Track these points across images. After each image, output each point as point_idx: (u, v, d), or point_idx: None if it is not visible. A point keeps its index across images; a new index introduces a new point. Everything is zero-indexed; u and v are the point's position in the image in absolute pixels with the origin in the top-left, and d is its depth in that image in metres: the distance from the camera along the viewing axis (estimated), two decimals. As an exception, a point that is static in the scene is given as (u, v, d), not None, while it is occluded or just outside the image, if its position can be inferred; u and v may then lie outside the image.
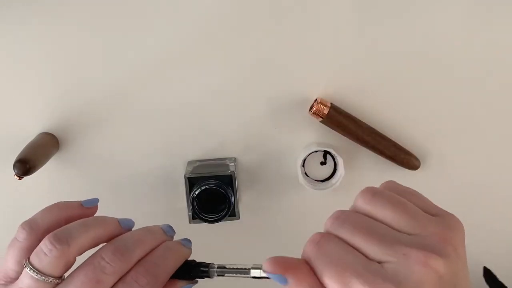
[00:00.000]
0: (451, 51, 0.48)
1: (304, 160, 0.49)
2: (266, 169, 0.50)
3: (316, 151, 0.49)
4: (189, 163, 0.49)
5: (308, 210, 0.51)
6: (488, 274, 0.49)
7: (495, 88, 0.49)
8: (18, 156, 0.42)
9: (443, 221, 0.27)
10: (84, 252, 0.31)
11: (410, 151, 0.49)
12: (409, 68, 0.48)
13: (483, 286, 0.48)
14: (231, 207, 0.45)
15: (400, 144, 0.49)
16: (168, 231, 0.34)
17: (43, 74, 0.47)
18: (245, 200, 0.51)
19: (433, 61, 0.48)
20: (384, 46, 0.48)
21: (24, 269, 0.30)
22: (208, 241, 0.51)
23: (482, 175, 0.51)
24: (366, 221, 0.26)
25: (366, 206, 0.27)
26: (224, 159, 0.49)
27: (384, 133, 0.49)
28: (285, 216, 0.51)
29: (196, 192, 0.44)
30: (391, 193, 0.28)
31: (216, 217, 0.45)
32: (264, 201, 0.51)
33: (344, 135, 0.48)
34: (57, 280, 0.30)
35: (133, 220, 0.34)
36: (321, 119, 0.47)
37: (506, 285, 0.48)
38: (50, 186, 0.49)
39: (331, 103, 0.47)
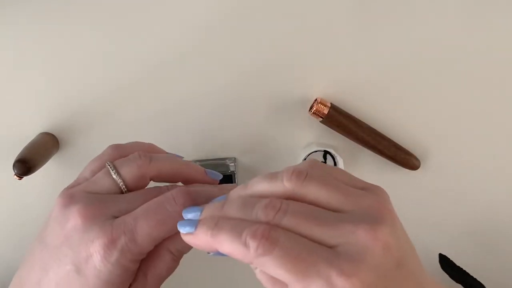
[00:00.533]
0: (452, 52, 0.48)
1: (304, 160, 0.49)
2: (266, 169, 0.50)
3: (316, 151, 0.49)
4: (189, 163, 0.49)
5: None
6: (444, 260, 0.49)
7: (496, 88, 0.49)
8: (18, 156, 0.42)
9: (373, 193, 0.27)
10: (161, 178, 0.33)
11: (410, 151, 0.49)
12: (409, 68, 0.48)
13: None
14: None
15: (400, 144, 0.49)
16: (212, 174, 0.36)
17: (43, 74, 0.47)
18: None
19: (433, 61, 0.48)
20: (384, 46, 0.48)
21: (104, 168, 0.32)
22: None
23: (482, 175, 0.51)
24: (305, 208, 0.26)
25: (299, 189, 0.27)
26: (224, 159, 0.49)
27: (384, 133, 0.49)
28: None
29: None
30: (319, 173, 0.27)
31: None
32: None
33: (344, 135, 0.48)
34: (125, 189, 0.32)
35: (220, 174, 0.36)
36: (321, 119, 0.47)
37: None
38: (50, 186, 0.49)
39: (331, 103, 0.47)
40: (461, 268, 0.49)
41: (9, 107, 0.47)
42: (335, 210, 0.26)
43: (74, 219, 0.30)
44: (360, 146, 0.49)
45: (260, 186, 0.28)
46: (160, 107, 0.48)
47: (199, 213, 0.28)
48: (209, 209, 0.28)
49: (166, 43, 0.47)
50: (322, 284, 0.23)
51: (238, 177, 0.49)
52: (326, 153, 0.50)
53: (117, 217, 0.30)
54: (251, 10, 0.47)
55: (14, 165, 0.41)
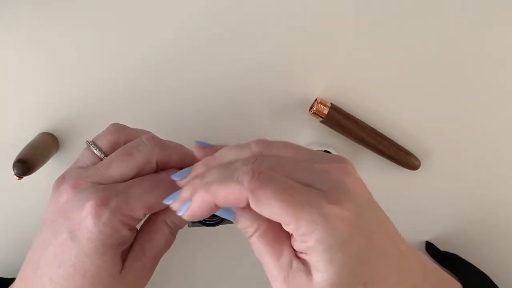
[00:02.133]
0: (452, 52, 0.48)
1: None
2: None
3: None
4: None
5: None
6: (430, 248, 0.50)
7: (496, 88, 0.49)
8: (18, 156, 0.42)
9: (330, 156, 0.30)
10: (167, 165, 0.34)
11: (410, 151, 0.49)
12: (409, 68, 0.48)
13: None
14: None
15: (400, 144, 0.49)
16: None
17: (43, 74, 0.47)
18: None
19: (434, 61, 0.48)
20: (385, 46, 0.48)
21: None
22: (207, 245, 0.51)
23: (483, 176, 0.51)
24: (278, 159, 0.28)
25: (266, 151, 0.28)
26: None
27: (384, 133, 0.49)
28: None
29: None
30: (282, 142, 0.30)
31: (215, 221, 0.45)
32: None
33: (344, 135, 0.48)
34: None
35: None
36: (321, 119, 0.47)
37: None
38: (50, 186, 0.49)
39: (331, 103, 0.47)
40: (447, 253, 0.49)
41: (9, 107, 0.47)
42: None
43: (66, 192, 0.31)
44: (360, 146, 0.49)
45: (229, 154, 0.29)
46: (159, 108, 0.48)
47: (178, 194, 0.29)
48: (188, 185, 0.29)
49: (166, 43, 0.47)
50: (314, 212, 0.25)
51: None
52: (326, 153, 0.50)
53: (107, 184, 0.31)
54: (251, 10, 0.47)
55: (14, 165, 0.41)
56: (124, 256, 0.32)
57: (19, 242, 0.50)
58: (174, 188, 0.32)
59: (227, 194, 0.26)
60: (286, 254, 0.28)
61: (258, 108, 0.49)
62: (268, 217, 0.26)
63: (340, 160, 0.28)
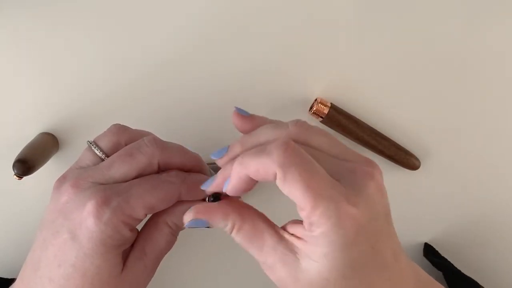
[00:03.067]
0: (452, 52, 0.48)
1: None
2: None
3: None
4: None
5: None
6: (428, 250, 0.50)
7: (496, 88, 0.49)
8: (18, 156, 0.42)
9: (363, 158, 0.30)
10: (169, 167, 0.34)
11: (410, 151, 0.49)
12: (409, 68, 0.48)
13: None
14: None
15: (400, 144, 0.49)
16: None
17: (43, 74, 0.47)
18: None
19: (434, 61, 0.48)
20: (385, 46, 0.48)
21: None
22: (207, 245, 0.51)
23: (483, 175, 0.51)
24: (313, 152, 0.28)
25: (303, 134, 0.29)
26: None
27: (384, 133, 0.49)
28: (283, 219, 0.51)
29: None
30: (320, 128, 0.30)
31: None
32: (263, 203, 0.51)
33: (344, 135, 0.48)
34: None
35: None
36: (321, 119, 0.47)
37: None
38: (50, 186, 0.49)
39: (331, 103, 0.47)
40: (444, 258, 0.50)
41: (9, 107, 0.47)
42: (336, 158, 0.28)
43: (66, 192, 0.31)
44: (360, 146, 0.49)
45: (265, 133, 0.29)
46: (159, 108, 0.48)
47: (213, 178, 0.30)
48: (224, 170, 0.30)
49: (166, 43, 0.47)
50: (331, 208, 0.25)
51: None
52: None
53: (108, 184, 0.31)
54: (251, 10, 0.47)
55: (14, 165, 0.41)
56: (125, 256, 0.32)
57: (19, 242, 0.50)
58: (175, 188, 0.32)
59: (258, 166, 0.26)
60: (269, 243, 0.28)
61: (258, 108, 0.49)
62: (286, 194, 0.26)
63: (369, 164, 0.29)
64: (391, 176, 0.50)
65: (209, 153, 0.50)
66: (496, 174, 0.51)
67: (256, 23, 0.47)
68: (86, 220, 0.29)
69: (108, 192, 0.30)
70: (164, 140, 0.35)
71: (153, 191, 0.31)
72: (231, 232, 0.29)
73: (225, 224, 0.29)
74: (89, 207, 0.29)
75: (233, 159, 0.29)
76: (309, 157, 0.26)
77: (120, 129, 0.34)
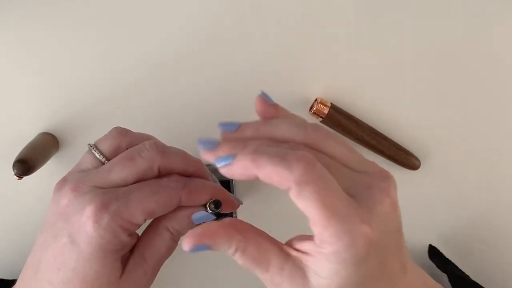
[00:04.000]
0: (452, 52, 0.48)
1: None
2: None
3: (316, 151, 0.49)
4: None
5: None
6: (433, 251, 0.50)
7: (496, 88, 0.49)
8: (18, 156, 0.42)
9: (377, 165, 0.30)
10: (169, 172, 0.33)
11: (410, 151, 0.49)
12: (409, 68, 0.48)
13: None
14: (229, 213, 0.45)
15: (400, 144, 0.49)
16: (215, 180, 0.36)
17: (43, 74, 0.47)
18: (244, 205, 0.51)
19: (434, 61, 0.48)
20: (385, 46, 0.48)
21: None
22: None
23: (483, 175, 0.51)
24: (329, 159, 0.27)
25: (321, 140, 0.28)
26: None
27: (384, 133, 0.49)
28: (283, 219, 0.51)
29: None
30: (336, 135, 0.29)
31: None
32: (262, 204, 0.51)
33: (344, 135, 0.48)
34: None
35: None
36: (321, 119, 0.47)
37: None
38: (50, 186, 0.49)
39: (331, 103, 0.47)
40: (448, 260, 0.49)
41: (9, 107, 0.47)
42: (351, 169, 0.28)
43: (67, 195, 0.31)
44: (360, 146, 0.49)
45: (283, 127, 0.28)
46: (159, 108, 0.48)
47: (215, 144, 0.28)
48: (229, 143, 0.28)
49: (166, 44, 0.47)
50: (344, 228, 0.24)
51: (236, 183, 0.49)
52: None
53: (108, 188, 0.31)
54: (251, 10, 0.47)
55: (14, 165, 0.41)
56: (125, 261, 0.32)
57: (19, 242, 0.50)
58: (175, 194, 0.31)
59: (272, 174, 0.25)
60: (274, 262, 0.27)
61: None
62: (300, 208, 0.25)
63: (386, 177, 0.28)
64: (391, 176, 0.50)
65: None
66: (496, 174, 0.51)
67: (256, 23, 0.47)
68: (85, 225, 0.29)
69: (107, 196, 0.30)
70: (165, 140, 0.35)
71: (153, 196, 0.30)
72: (233, 255, 0.28)
73: (228, 247, 0.28)
74: (88, 211, 0.29)
75: (239, 141, 0.28)
76: (327, 174, 0.25)
77: (121, 132, 0.34)
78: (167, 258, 0.34)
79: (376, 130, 0.48)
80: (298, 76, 0.48)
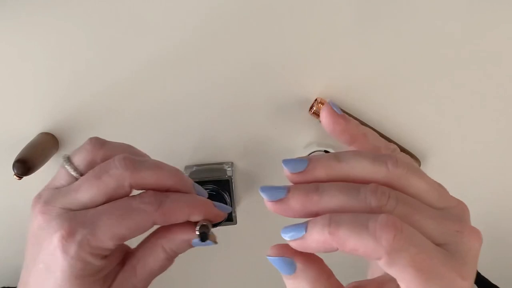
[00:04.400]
0: (452, 52, 0.48)
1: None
2: (266, 171, 0.50)
3: (316, 151, 0.49)
4: (187, 167, 0.49)
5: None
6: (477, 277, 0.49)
7: (496, 88, 0.49)
8: (18, 156, 0.42)
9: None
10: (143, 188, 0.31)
11: (410, 151, 0.49)
12: (409, 68, 0.48)
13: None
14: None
15: (400, 144, 0.49)
16: (199, 190, 0.33)
17: (43, 74, 0.47)
18: (243, 204, 0.51)
19: (434, 61, 0.48)
20: (385, 46, 0.48)
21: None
22: (205, 246, 0.51)
23: (483, 175, 0.51)
24: (411, 199, 0.24)
25: (404, 178, 0.25)
26: (222, 163, 0.49)
27: (384, 133, 0.49)
28: (283, 219, 0.51)
29: None
30: (415, 165, 0.26)
31: None
32: (262, 204, 0.50)
33: (344, 135, 0.48)
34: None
35: (206, 193, 0.33)
36: (321, 119, 0.47)
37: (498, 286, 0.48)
38: (50, 186, 0.49)
39: (331, 103, 0.47)
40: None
41: (9, 107, 0.47)
42: (431, 206, 0.25)
43: (37, 218, 0.30)
44: (360, 146, 0.49)
45: (361, 165, 0.25)
46: (159, 108, 0.48)
47: (284, 192, 0.25)
48: (301, 193, 0.25)
49: (166, 43, 0.47)
50: (444, 286, 0.22)
51: (235, 182, 0.49)
52: (326, 153, 0.50)
53: (76, 209, 0.30)
54: (250, 10, 0.47)
55: (13, 165, 0.41)
56: (114, 274, 0.31)
57: (19, 242, 0.50)
58: (147, 217, 0.29)
59: (357, 246, 0.22)
60: None
61: (258, 108, 0.49)
62: (391, 275, 0.23)
63: (465, 211, 0.26)
64: (391, 176, 0.50)
65: (208, 153, 0.50)
66: (497, 174, 0.51)
67: (256, 23, 0.47)
68: (55, 254, 0.28)
69: (74, 223, 0.28)
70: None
71: (122, 221, 0.29)
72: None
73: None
74: (55, 241, 0.28)
75: (311, 189, 0.24)
76: (416, 235, 0.23)
77: (95, 144, 0.32)
78: (160, 273, 0.33)
79: (376, 130, 0.48)
80: (298, 76, 0.48)
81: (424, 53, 0.48)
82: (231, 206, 0.45)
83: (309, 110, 0.47)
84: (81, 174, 0.31)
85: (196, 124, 0.49)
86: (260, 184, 0.50)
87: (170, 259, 0.32)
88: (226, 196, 0.44)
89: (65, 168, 0.31)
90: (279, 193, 0.25)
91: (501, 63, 0.49)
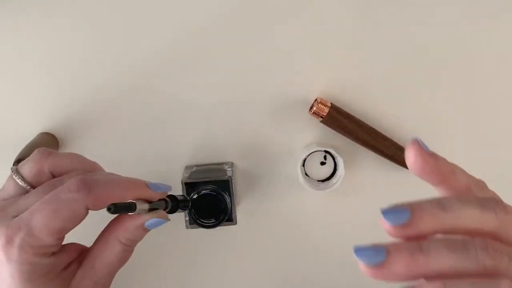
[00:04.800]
0: (452, 52, 0.48)
1: (304, 160, 0.49)
2: (265, 171, 0.50)
3: (316, 151, 0.49)
4: (187, 168, 0.49)
5: (306, 212, 0.51)
6: None
7: (496, 89, 0.49)
8: (18, 156, 0.42)
9: None
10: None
11: (410, 151, 0.49)
12: (409, 68, 0.48)
13: None
14: (228, 213, 0.45)
15: (400, 144, 0.49)
16: (157, 187, 0.33)
17: (43, 74, 0.47)
18: (243, 204, 0.51)
19: (434, 61, 0.48)
20: (385, 46, 0.48)
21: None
22: (205, 246, 0.51)
23: (483, 175, 0.51)
24: (508, 250, 0.22)
25: (509, 226, 0.22)
26: (222, 163, 0.49)
27: (384, 133, 0.49)
28: (283, 219, 0.51)
29: (193, 198, 0.44)
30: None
31: (213, 222, 0.45)
32: (262, 204, 0.51)
33: (344, 135, 0.48)
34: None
35: (169, 186, 0.34)
36: (321, 119, 0.47)
37: None
38: (50, 186, 0.49)
39: (331, 103, 0.47)
40: None
41: (9, 107, 0.47)
42: None
43: None
44: (360, 146, 0.49)
45: (470, 213, 0.22)
46: (159, 108, 0.48)
47: (384, 254, 0.21)
48: (404, 254, 0.21)
49: (166, 44, 0.47)
50: None
51: (235, 182, 0.49)
52: (326, 153, 0.50)
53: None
54: (249, 10, 0.47)
55: (13, 165, 0.41)
56: (71, 275, 0.32)
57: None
58: (79, 204, 0.29)
59: None
60: None
61: (258, 108, 0.49)
62: None
63: None
64: (391, 176, 0.50)
65: (208, 153, 0.50)
66: (497, 174, 0.51)
67: (256, 24, 0.47)
68: (1, 261, 0.29)
69: (10, 229, 0.29)
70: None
71: (54, 215, 0.29)
72: None
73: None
74: None
75: (416, 249, 0.21)
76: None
77: (43, 155, 0.32)
78: (121, 266, 0.33)
79: (376, 130, 0.48)
80: (298, 76, 0.48)
81: (425, 54, 0.48)
82: (231, 206, 0.45)
83: (309, 110, 0.47)
84: (30, 185, 0.32)
85: (196, 124, 0.49)
86: (260, 184, 0.50)
87: (128, 250, 0.32)
88: (226, 196, 0.44)
89: (13, 178, 0.32)
90: (378, 256, 0.21)
91: (501, 63, 0.48)
